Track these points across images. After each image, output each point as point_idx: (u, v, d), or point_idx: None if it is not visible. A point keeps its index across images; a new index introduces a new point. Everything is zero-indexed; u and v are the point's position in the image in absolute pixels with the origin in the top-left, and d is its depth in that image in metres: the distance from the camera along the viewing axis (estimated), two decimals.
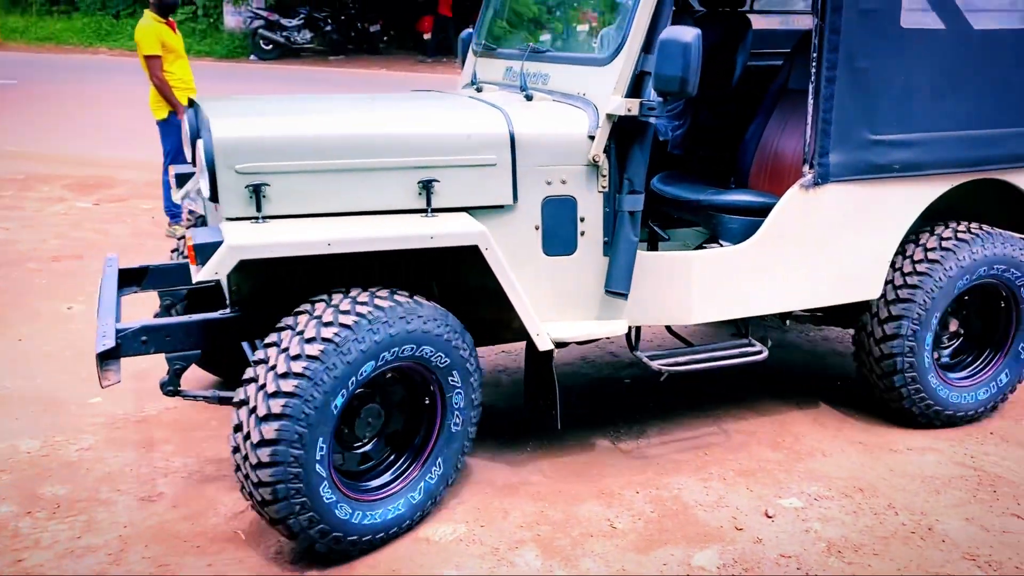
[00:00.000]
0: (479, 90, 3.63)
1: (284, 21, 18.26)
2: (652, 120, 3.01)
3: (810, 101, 3.23)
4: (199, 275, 2.56)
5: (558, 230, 3.08)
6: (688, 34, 2.76)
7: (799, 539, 2.94)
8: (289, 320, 2.69)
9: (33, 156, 9.22)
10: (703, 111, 4.26)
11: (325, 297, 2.74)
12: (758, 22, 4.21)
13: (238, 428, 2.63)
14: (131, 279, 3.48)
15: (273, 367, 2.58)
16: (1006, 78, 3.44)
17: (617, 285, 3.09)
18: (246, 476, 2.62)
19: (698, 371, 3.36)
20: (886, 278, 3.52)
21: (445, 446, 2.95)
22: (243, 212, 2.72)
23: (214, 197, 2.75)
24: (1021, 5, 3.64)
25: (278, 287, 2.99)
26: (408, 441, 2.98)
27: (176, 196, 3.79)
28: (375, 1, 19.56)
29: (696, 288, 3.24)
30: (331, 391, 2.58)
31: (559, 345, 3.13)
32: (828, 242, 3.38)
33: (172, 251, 3.89)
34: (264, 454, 2.54)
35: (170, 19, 6.18)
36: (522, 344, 3.46)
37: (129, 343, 2.87)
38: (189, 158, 3.33)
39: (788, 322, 3.92)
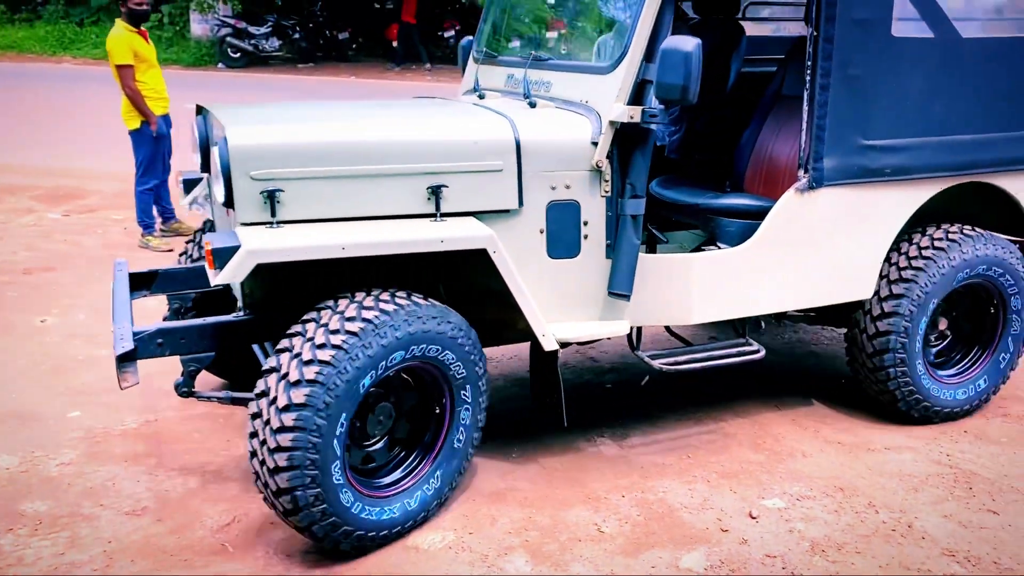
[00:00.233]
0: (481, 97, 3.71)
1: (252, 29, 18.13)
2: (653, 127, 3.10)
3: (805, 107, 3.33)
4: (217, 279, 2.63)
5: (562, 233, 3.16)
6: (689, 44, 2.85)
7: (783, 539, 2.99)
8: (313, 314, 2.76)
9: None
10: (699, 116, 4.35)
11: (348, 295, 2.81)
12: (750, 29, 4.31)
13: (256, 415, 2.69)
14: (141, 283, 3.54)
15: (298, 354, 2.66)
16: (993, 85, 3.55)
17: (620, 287, 3.17)
18: (262, 462, 2.66)
19: (697, 370, 3.44)
20: (878, 278, 3.62)
21: (451, 447, 3.02)
22: (258, 217, 2.80)
23: (229, 203, 2.82)
24: (1007, 14, 3.76)
25: (288, 290, 3.06)
26: (418, 439, 3.04)
27: (184, 201, 3.83)
28: (343, 9, 19.50)
29: (696, 289, 3.33)
30: (351, 381, 2.65)
31: (563, 345, 3.21)
32: (823, 244, 3.48)
33: (181, 254, 3.95)
34: (284, 439, 2.59)
35: (142, 28, 6.13)
36: (505, 348, 3.49)
37: (145, 346, 2.94)
38: (197, 164, 3.40)
39: (785, 322, 4.00)
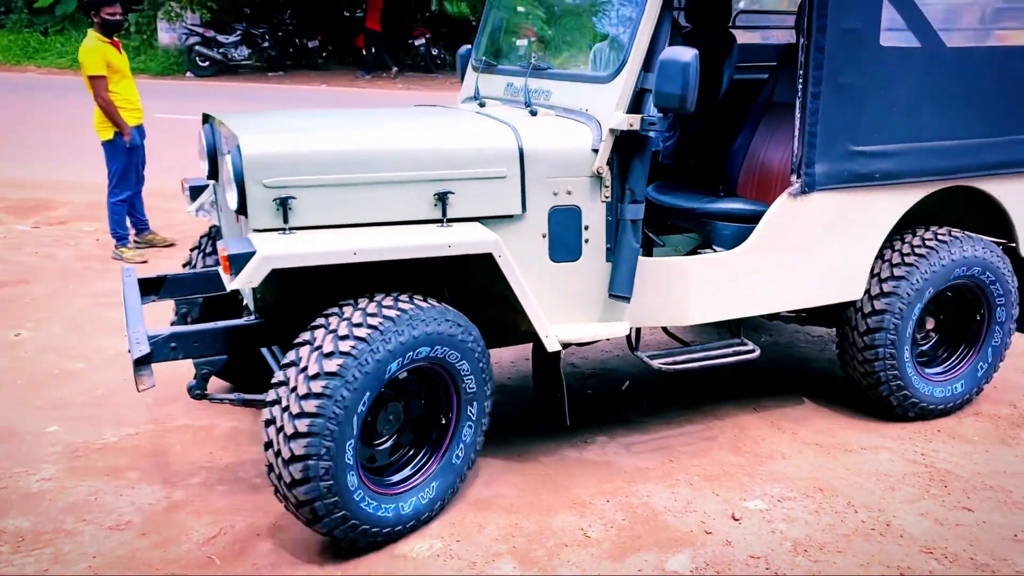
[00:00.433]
0: (482, 105, 3.80)
1: (221, 38, 17.98)
2: (652, 134, 3.19)
3: (797, 115, 3.45)
4: (233, 284, 2.69)
5: (564, 238, 3.25)
6: (687, 55, 2.95)
7: (766, 540, 3.04)
8: (329, 316, 2.84)
9: None
10: (692, 123, 4.45)
11: (361, 298, 2.89)
12: (740, 36, 4.41)
13: (270, 423, 2.77)
14: (149, 289, 3.62)
15: (319, 347, 2.74)
16: (976, 92, 3.67)
17: (620, 289, 3.27)
18: (277, 453, 2.74)
19: (694, 369, 3.54)
20: (868, 280, 3.73)
21: (459, 439, 3.12)
22: (270, 224, 2.87)
23: (242, 210, 2.88)
24: (989, 25, 3.88)
25: (297, 295, 3.14)
26: (426, 437, 3.13)
27: (190, 208, 3.88)
28: (313, 17, 19.42)
29: (693, 291, 3.43)
30: (369, 374, 2.74)
31: (565, 346, 3.30)
32: (815, 246, 3.59)
33: (184, 264, 4.02)
34: (298, 446, 2.67)
35: (115, 39, 6.07)
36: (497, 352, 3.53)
37: (160, 349, 3.01)
38: (204, 171, 3.51)
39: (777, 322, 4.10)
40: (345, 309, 2.85)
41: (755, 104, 4.12)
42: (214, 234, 4.00)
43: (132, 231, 6.47)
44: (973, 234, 3.86)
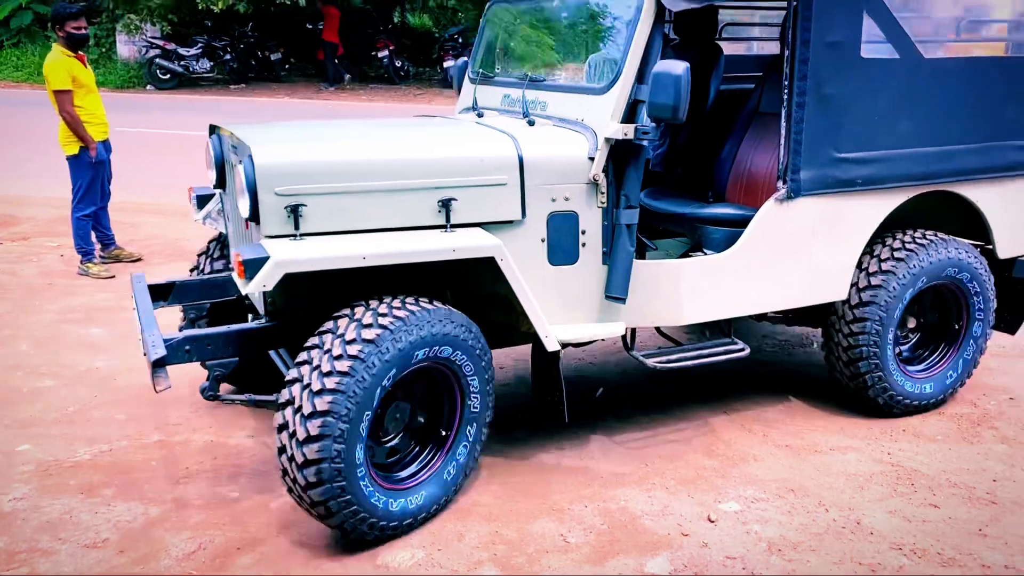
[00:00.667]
0: (480, 116, 3.93)
1: (182, 50, 17.85)
2: (645, 143, 3.33)
3: (782, 124, 3.59)
4: (248, 288, 2.79)
5: (562, 242, 3.38)
6: (679, 67, 3.09)
7: (742, 541, 3.10)
8: (329, 324, 2.95)
9: None
10: (681, 132, 4.59)
11: (368, 300, 3.01)
12: (726, 48, 4.56)
13: (284, 417, 2.86)
14: (158, 295, 3.72)
15: (329, 350, 2.84)
16: (954, 101, 3.83)
17: (616, 291, 3.39)
18: (292, 476, 2.85)
19: (686, 368, 3.67)
20: (852, 281, 3.86)
21: (466, 431, 3.24)
22: (282, 230, 2.97)
23: (254, 217, 2.99)
24: (963, 38, 4.05)
25: (306, 299, 3.25)
26: (432, 433, 3.24)
27: (197, 216, 3.98)
28: (275, 29, 19.34)
29: (685, 292, 3.56)
30: (371, 386, 2.83)
31: (564, 346, 3.42)
32: (801, 249, 3.73)
33: (191, 270, 4.14)
34: (313, 426, 2.77)
35: (80, 53, 6.02)
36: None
37: (174, 352, 3.11)
38: (211, 181, 3.66)
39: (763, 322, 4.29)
40: (356, 310, 2.95)
41: (742, 113, 4.28)
42: (221, 242, 4.11)
43: (98, 246, 6.40)
44: (952, 237, 4.01)
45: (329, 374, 2.79)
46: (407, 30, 22.40)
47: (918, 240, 3.89)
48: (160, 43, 17.85)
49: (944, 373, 4.11)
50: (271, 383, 3.42)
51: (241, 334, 3.25)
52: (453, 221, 3.18)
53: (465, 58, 4.53)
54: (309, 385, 2.81)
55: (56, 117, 6.01)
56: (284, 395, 2.89)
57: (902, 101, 3.72)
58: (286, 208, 2.96)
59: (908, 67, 3.71)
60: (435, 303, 3.08)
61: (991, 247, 4.16)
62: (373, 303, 2.98)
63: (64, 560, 2.97)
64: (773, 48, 4.79)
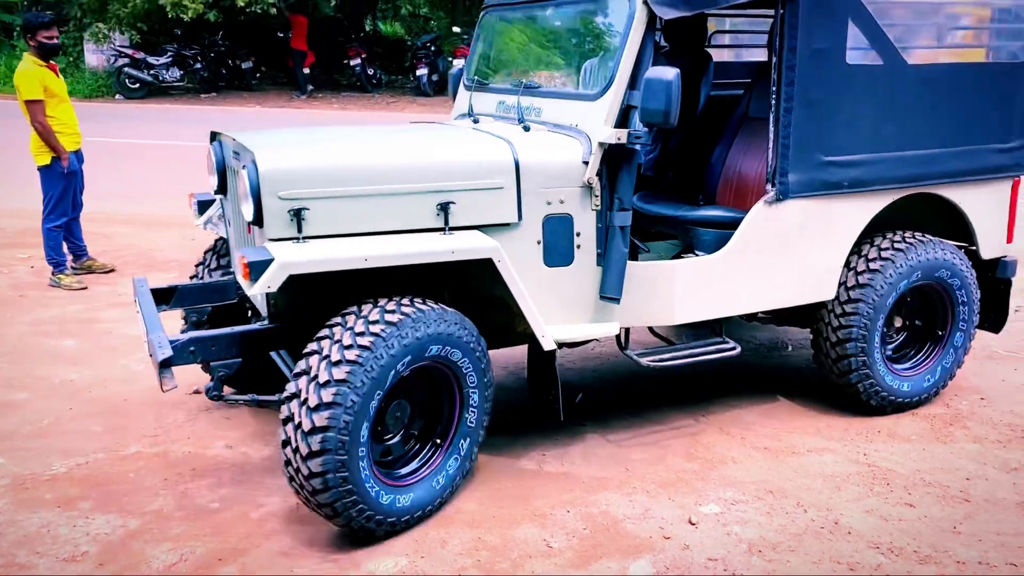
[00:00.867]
0: (476, 122, 3.99)
1: (151, 59, 17.68)
2: (638, 147, 3.42)
3: (771, 128, 3.70)
4: (253, 289, 2.85)
5: (557, 244, 3.46)
6: (669, 73, 3.19)
7: (722, 542, 3.13)
8: (338, 319, 3.03)
9: None
10: (672, 137, 4.66)
11: (370, 301, 3.08)
12: (715, 55, 4.66)
13: (288, 421, 2.93)
14: (160, 299, 3.78)
15: (339, 340, 2.92)
16: (936, 105, 3.94)
17: (610, 291, 3.48)
18: (296, 467, 2.91)
19: (679, 366, 3.77)
20: (839, 281, 3.95)
21: (465, 428, 3.32)
22: (285, 233, 3.05)
23: (258, 221, 3.06)
24: (945, 44, 4.17)
25: (307, 301, 3.32)
26: (431, 432, 3.32)
27: (198, 221, 4.04)
28: (246, 38, 19.23)
29: (678, 293, 3.65)
30: (377, 379, 2.91)
31: (560, 345, 3.51)
32: (790, 250, 3.83)
33: (191, 277, 4.21)
34: (320, 418, 2.84)
35: (52, 62, 5.96)
36: None
37: (180, 353, 3.19)
38: (213, 187, 3.73)
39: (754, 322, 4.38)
40: (364, 308, 3.02)
41: (731, 119, 4.39)
42: (222, 246, 4.18)
43: (69, 257, 6.33)
44: (936, 238, 4.11)
45: (338, 363, 2.86)
46: (379, 38, 22.37)
47: (904, 241, 4.00)
48: (129, 52, 17.68)
49: (930, 371, 4.22)
50: (270, 385, 3.50)
51: (244, 335, 3.32)
52: (451, 224, 3.25)
53: (460, 66, 4.62)
54: (316, 377, 2.88)
55: (28, 127, 5.94)
56: (290, 388, 2.95)
57: (886, 106, 3.83)
58: (289, 212, 3.03)
59: (892, 73, 3.82)
60: (434, 304, 3.15)
61: (974, 248, 4.28)
62: (381, 301, 3.06)
63: (42, 574, 2.94)
64: (761, 55, 4.88)
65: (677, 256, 4.02)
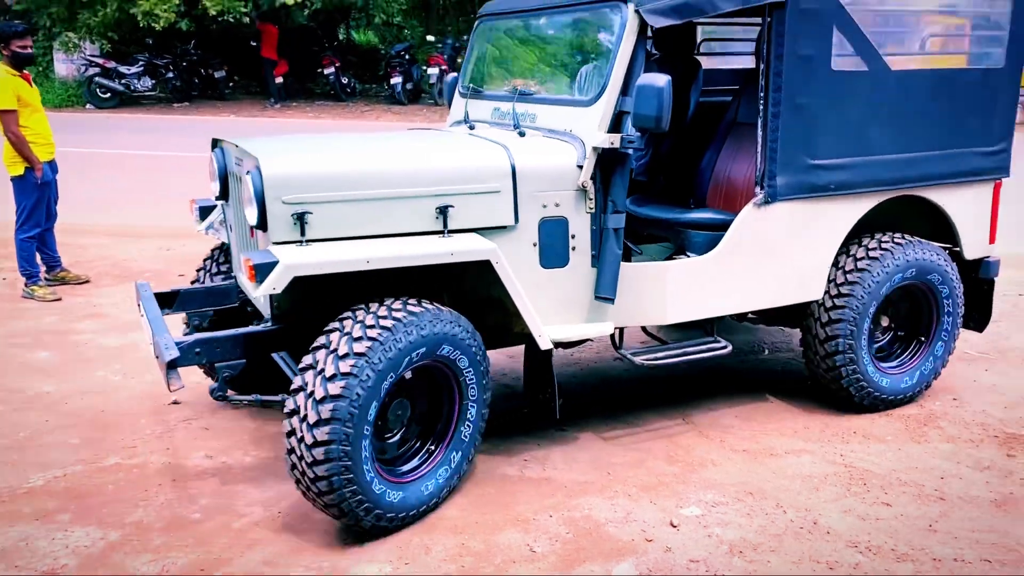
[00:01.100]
0: (472, 128, 4.13)
1: (122, 68, 17.53)
2: (631, 151, 3.52)
3: (759, 133, 3.80)
4: (259, 290, 2.93)
5: (553, 246, 3.55)
6: (661, 80, 3.27)
7: (704, 544, 3.17)
8: (348, 314, 3.10)
9: None
10: (663, 142, 4.75)
11: (372, 302, 3.15)
12: (704, 63, 4.76)
13: (296, 403, 3.00)
14: (163, 303, 3.85)
15: (349, 332, 3.01)
16: (919, 110, 4.04)
17: (605, 291, 3.56)
18: (300, 457, 2.96)
19: (672, 365, 3.87)
20: (827, 280, 4.06)
21: (463, 426, 3.39)
22: (288, 237, 3.13)
23: (262, 225, 3.13)
24: (927, 51, 4.26)
25: (308, 304, 3.39)
26: (431, 430, 3.39)
27: (200, 227, 4.10)
28: (219, 47, 19.13)
29: (670, 293, 3.74)
30: (376, 380, 2.97)
31: (556, 345, 3.59)
32: (778, 251, 3.93)
33: (192, 282, 4.27)
34: (321, 441, 2.91)
35: (25, 72, 5.90)
36: None
37: (185, 354, 3.26)
38: (215, 192, 3.82)
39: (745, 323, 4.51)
40: (359, 313, 3.08)
41: (720, 124, 4.49)
42: (223, 251, 4.25)
43: (43, 268, 6.26)
44: (921, 239, 4.20)
45: (345, 356, 2.93)
46: (353, 47, 22.35)
47: (889, 242, 4.09)
48: (100, 61, 17.52)
49: (916, 369, 4.31)
50: (270, 387, 3.58)
51: (248, 337, 3.40)
52: (450, 227, 3.33)
53: (455, 74, 4.72)
54: (323, 371, 2.94)
55: (1, 137, 5.88)
56: (297, 382, 3.01)
57: (871, 110, 3.93)
58: (293, 216, 3.11)
59: (876, 78, 3.92)
60: (433, 305, 3.23)
61: (958, 249, 4.38)
62: (387, 301, 3.13)
63: None
64: (749, 62, 4.97)
65: (669, 258, 4.10)
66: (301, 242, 3.11)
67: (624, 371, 4.85)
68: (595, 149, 3.50)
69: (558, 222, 3.54)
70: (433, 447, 3.36)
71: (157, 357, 3.25)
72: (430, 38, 19.86)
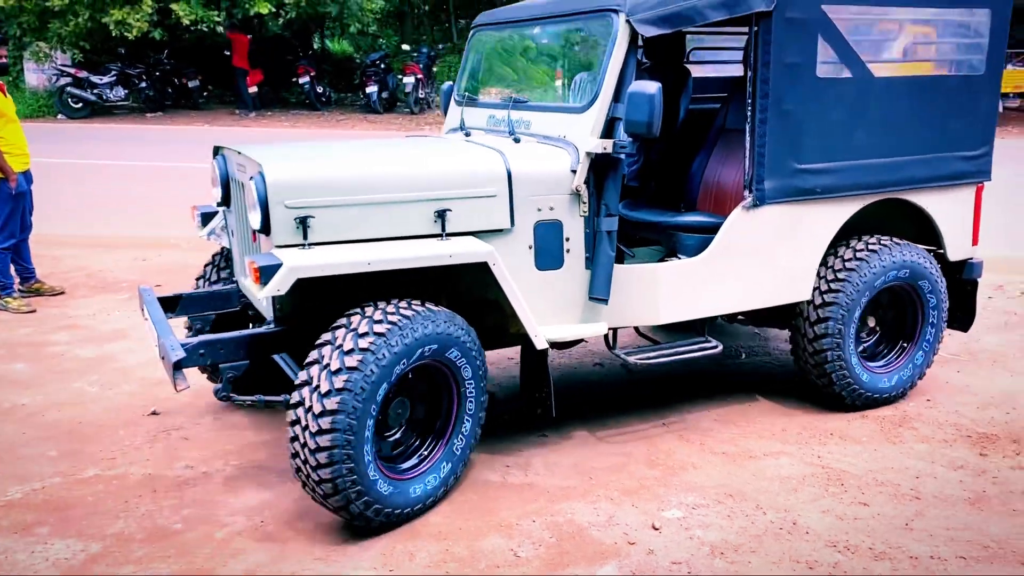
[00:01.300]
0: (468, 135, 4.21)
1: (94, 78, 17.35)
2: (623, 156, 3.61)
3: (747, 138, 3.91)
4: (263, 292, 3.01)
5: (548, 248, 3.65)
6: (651, 87, 3.38)
7: (686, 546, 3.20)
8: (343, 320, 3.17)
9: None
10: (654, 149, 4.83)
11: (373, 303, 3.22)
12: (694, 71, 4.83)
13: (298, 404, 3.07)
14: (166, 307, 3.91)
15: (355, 328, 3.08)
16: (902, 116, 4.15)
17: (599, 292, 3.66)
18: (303, 444, 3.04)
19: (664, 364, 3.97)
20: (814, 282, 4.15)
21: (462, 424, 3.48)
22: (291, 240, 3.21)
23: (265, 229, 3.21)
24: (910, 58, 4.37)
25: (309, 307, 3.46)
26: (430, 428, 3.48)
27: (202, 232, 4.18)
28: (192, 56, 19.02)
29: (662, 294, 3.84)
30: (378, 379, 3.05)
31: (552, 344, 3.71)
32: (767, 253, 4.03)
33: (197, 279, 4.36)
34: (324, 438, 2.99)
35: None
36: None
37: (191, 355, 3.33)
38: (217, 198, 3.89)
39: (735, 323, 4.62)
40: (367, 309, 3.17)
41: (710, 130, 4.59)
42: (224, 256, 4.32)
43: (17, 279, 6.19)
44: (906, 241, 4.30)
45: (351, 351, 3.02)
46: (327, 56, 22.31)
47: (873, 245, 4.18)
48: (71, 71, 17.34)
49: (903, 368, 4.40)
50: (268, 389, 3.62)
51: (251, 338, 3.46)
52: (448, 230, 3.41)
53: (451, 82, 4.81)
54: (328, 366, 3.03)
55: None
56: (303, 376, 3.08)
57: (855, 116, 4.03)
58: (295, 220, 3.19)
59: (860, 85, 4.02)
60: (428, 305, 3.30)
61: (942, 251, 4.48)
62: (379, 305, 3.19)
63: None
64: (737, 70, 5.06)
65: (661, 260, 4.17)
66: (303, 245, 3.18)
67: (602, 376, 4.89)
68: (588, 154, 3.59)
69: (553, 225, 3.63)
70: (433, 445, 3.44)
71: (163, 358, 3.33)
72: (405, 47, 19.89)
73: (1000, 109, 4.55)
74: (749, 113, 3.86)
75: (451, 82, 4.84)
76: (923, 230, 4.47)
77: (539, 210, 3.60)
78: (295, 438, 3.06)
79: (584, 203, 3.66)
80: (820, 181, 4.01)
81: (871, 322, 4.42)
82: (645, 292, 3.81)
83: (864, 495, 3.57)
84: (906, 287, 4.31)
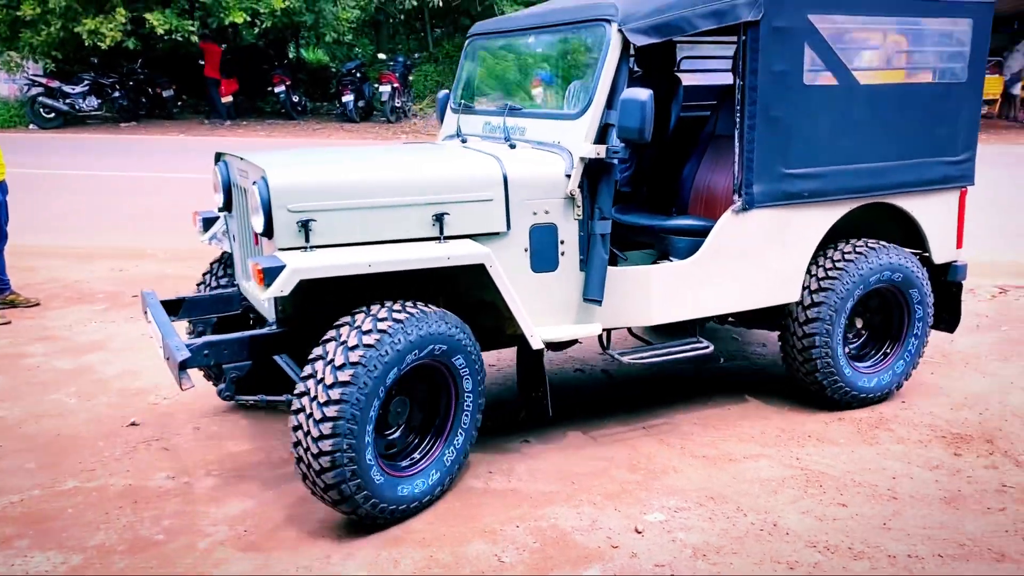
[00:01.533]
0: (464, 141, 4.33)
1: (67, 88, 17.19)
2: (616, 161, 3.69)
3: (736, 144, 4.01)
4: (267, 293, 3.08)
5: (543, 251, 3.74)
6: (643, 94, 3.48)
7: (668, 549, 3.23)
8: (348, 318, 3.25)
9: None
10: (646, 155, 4.92)
11: (373, 305, 3.29)
12: (684, 79, 4.96)
13: (302, 395, 3.14)
14: (169, 310, 3.97)
15: (359, 326, 3.17)
16: (888, 122, 4.25)
17: (593, 293, 3.75)
18: (307, 432, 3.10)
19: (657, 364, 4.08)
20: (803, 284, 4.26)
21: (460, 422, 3.55)
22: (293, 243, 3.28)
23: (268, 232, 3.29)
24: (894, 65, 4.47)
25: (310, 308, 3.53)
26: (429, 426, 3.55)
27: (204, 237, 4.24)
28: (166, 66, 18.89)
29: (655, 296, 3.94)
30: (379, 377, 3.13)
31: (548, 345, 3.81)
32: (756, 256, 4.13)
33: (198, 284, 4.43)
34: (327, 426, 3.06)
35: None
36: None
37: (195, 355, 3.40)
38: (218, 204, 3.99)
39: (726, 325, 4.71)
40: (372, 308, 3.24)
41: (700, 136, 4.70)
42: (226, 260, 4.39)
43: None
44: (892, 245, 4.39)
45: (355, 347, 3.10)
46: (303, 65, 22.25)
47: (860, 247, 4.28)
48: (43, 81, 17.17)
49: (889, 368, 4.49)
50: (268, 390, 3.72)
51: (254, 339, 3.53)
52: (446, 233, 3.51)
53: (447, 91, 4.89)
54: (332, 360, 3.10)
55: None
56: (307, 370, 3.14)
57: (842, 122, 4.13)
58: (297, 223, 3.27)
59: (846, 92, 4.13)
60: (431, 307, 3.38)
61: (928, 254, 4.58)
62: (380, 306, 3.27)
63: None
64: (726, 78, 5.13)
65: (653, 263, 4.24)
66: (305, 248, 3.26)
67: (583, 382, 4.92)
68: (582, 159, 3.68)
69: (548, 228, 3.71)
70: (432, 443, 3.51)
71: (167, 359, 3.40)
72: (381, 56, 19.86)
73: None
74: (738, 120, 3.97)
75: (447, 90, 4.94)
76: (909, 234, 4.56)
77: (535, 214, 3.69)
78: (298, 427, 3.12)
79: (578, 207, 3.74)
80: (807, 185, 4.10)
81: (858, 323, 4.51)
82: (638, 294, 3.90)
83: (842, 496, 3.62)
84: (892, 289, 4.40)
